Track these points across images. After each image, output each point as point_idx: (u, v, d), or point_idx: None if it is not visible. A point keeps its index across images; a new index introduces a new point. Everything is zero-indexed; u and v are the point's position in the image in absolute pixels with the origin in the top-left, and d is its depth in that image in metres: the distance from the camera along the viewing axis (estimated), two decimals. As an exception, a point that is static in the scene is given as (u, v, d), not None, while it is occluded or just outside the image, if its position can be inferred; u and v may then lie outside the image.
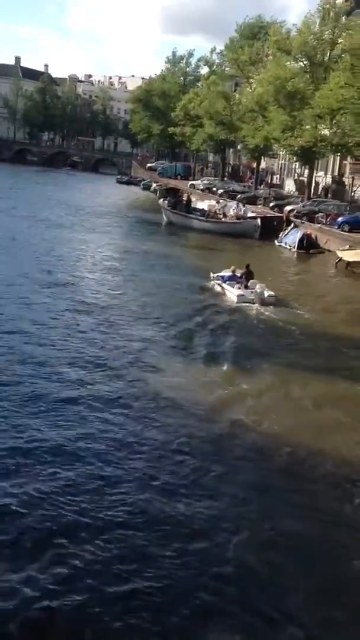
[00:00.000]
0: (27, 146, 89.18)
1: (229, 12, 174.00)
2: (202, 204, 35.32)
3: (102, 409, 8.59)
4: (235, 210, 32.50)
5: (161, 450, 7.65)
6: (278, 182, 50.83)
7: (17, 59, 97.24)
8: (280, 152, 47.67)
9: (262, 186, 46.66)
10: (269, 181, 50.63)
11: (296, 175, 47.91)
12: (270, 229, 29.51)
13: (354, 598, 5.56)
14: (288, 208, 32.56)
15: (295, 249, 26.34)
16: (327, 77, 31.50)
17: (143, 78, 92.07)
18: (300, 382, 10.64)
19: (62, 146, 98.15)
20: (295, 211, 31.33)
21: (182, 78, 69.67)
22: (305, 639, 5.00)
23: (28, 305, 13.75)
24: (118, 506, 6.36)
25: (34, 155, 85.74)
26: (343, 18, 33.48)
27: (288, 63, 34.96)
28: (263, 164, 51.72)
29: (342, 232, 26.08)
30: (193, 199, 36.93)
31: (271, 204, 36.03)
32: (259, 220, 30.29)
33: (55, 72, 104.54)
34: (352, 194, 37.14)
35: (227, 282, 16.78)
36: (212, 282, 17.47)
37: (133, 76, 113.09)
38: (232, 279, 16.86)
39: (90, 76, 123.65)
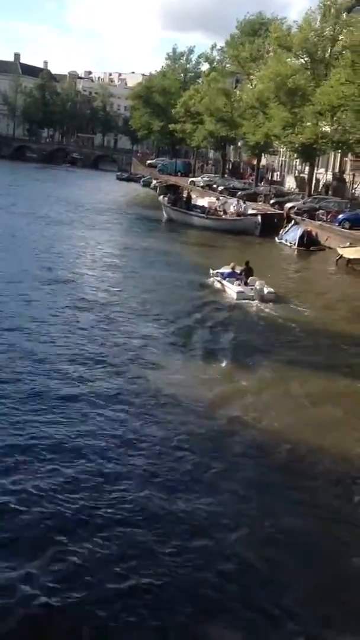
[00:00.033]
0: (26, 143, 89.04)
1: (230, 8, 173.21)
2: (202, 201, 35.27)
3: (102, 406, 8.59)
4: (235, 207, 32.45)
5: (161, 447, 7.65)
6: (278, 179, 50.78)
7: (17, 56, 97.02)
8: (281, 149, 47.59)
9: (262, 183, 46.60)
10: (270, 178, 50.57)
11: (297, 172, 47.85)
12: (271, 226, 29.46)
13: (354, 595, 5.55)
14: (288, 205, 32.52)
15: (295, 246, 26.31)
16: (327, 74, 31.43)
17: (143, 75, 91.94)
18: (300, 379, 10.62)
19: (62, 143, 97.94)
20: (295, 208, 31.29)
21: (182, 75, 69.55)
22: (305, 635, 5.00)
23: (28, 302, 13.74)
24: (118, 503, 6.36)
25: (33, 152, 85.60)
26: (344, 15, 33.38)
27: (289, 60, 34.89)
28: (263, 161, 51.64)
29: (342, 230, 26.04)
30: (193, 195, 36.85)
31: (271, 201, 35.98)
32: (259, 218, 30.24)
33: (55, 69, 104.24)
34: (353, 191, 37.09)
35: (227, 278, 16.77)
36: (212, 278, 17.46)
37: (133, 73, 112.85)
38: (231, 275, 16.85)
39: (90, 73, 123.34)
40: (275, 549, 5.98)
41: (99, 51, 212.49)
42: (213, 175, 54.91)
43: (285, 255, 26.08)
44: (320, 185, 40.10)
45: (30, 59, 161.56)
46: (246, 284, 16.22)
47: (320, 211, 29.58)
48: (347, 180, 38.62)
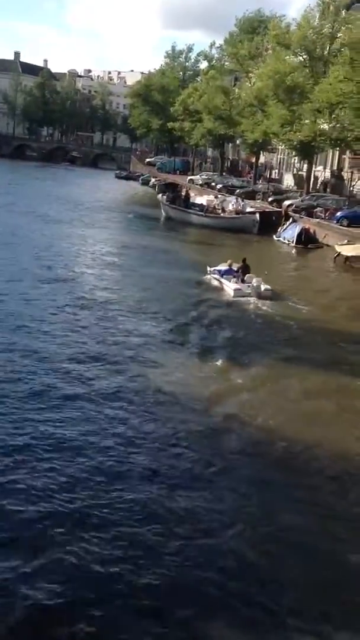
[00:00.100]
0: (26, 141, 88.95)
1: (229, 6, 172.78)
2: (201, 199, 35.27)
3: (101, 404, 8.61)
4: (234, 205, 32.47)
5: (160, 445, 7.67)
6: (277, 177, 50.73)
7: (17, 54, 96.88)
8: (279, 147, 47.59)
9: (260, 181, 46.57)
10: (268, 176, 50.53)
11: (295, 169, 47.83)
12: (269, 223, 29.48)
13: (353, 592, 5.57)
14: (287, 203, 32.53)
15: (293, 244, 26.32)
16: (326, 72, 31.41)
17: (142, 73, 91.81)
18: (298, 376, 10.66)
19: (61, 141, 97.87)
20: (294, 206, 31.30)
21: (181, 73, 69.53)
22: (304, 633, 5.03)
23: (28, 301, 13.77)
24: (117, 501, 6.38)
25: (33, 150, 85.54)
26: (343, 12, 33.33)
27: (287, 57, 34.85)
28: (262, 159, 51.62)
29: (340, 227, 26.05)
30: (192, 194, 36.86)
31: (270, 199, 36.00)
32: (257, 215, 30.26)
33: (55, 68, 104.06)
34: (351, 188, 37.08)
35: (224, 276, 16.83)
36: (209, 276, 17.52)
37: (132, 71, 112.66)
38: (228, 272, 16.91)
39: (89, 71, 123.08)
40: (274, 546, 6.01)
41: (98, 50, 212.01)
42: (212, 173, 54.90)
43: (283, 252, 26.10)
44: (319, 183, 40.08)
45: (30, 58, 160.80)
46: (243, 281, 16.27)
47: (319, 209, 29.57)
48: (345, 177, 38.59)
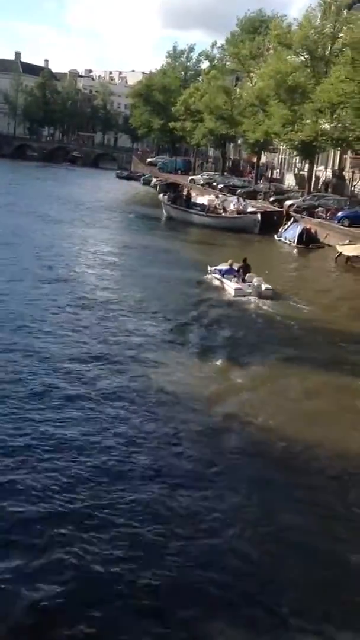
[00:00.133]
0: (27, 141, 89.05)
1: (230, 6, 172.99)
2: (202, 199, 35.28)
3: (102, 403, 8.60)
4: (235, 205, 32.47)
5: (161, 445, 7.67)
6: (278, 177, 50.73)
7: (18, 55, 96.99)
8: (281, 147, 47.59)
9: (262, 181, 46.58)
10: (269, 176, 50.55)
11: (296, 169, 47.82)
12: (270, 223, 29.48)
13: (353, 591, 5.56)
14: (288, 203, 32.53)
15: (294, 244, 26.31)
16: (328, 71, 31.40)
17: (143, 73, 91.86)
18: (298, 375, 10.66)
19: (62, 141, 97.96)
20: (295, 206, 31.28)
21: (182, 73, 69.59)
22: (304, 632, 5.03)
23: (29, 301, 13.77)
24: (118, 500, 6.38)
25: (34, 150, 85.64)
26: (344, 12, 33.34)
27: (289, 57, 34.88)
28: (263, 159, 51.65)
29: (342, 227, 26.04)
30: (193, 193, 36.87)
31: (271, 199, 36.00)
32: (258, 215, 30.26)
33: (56, 68, 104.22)
34: (352, 188, 37.09)
35: (225, 275, 16.84)
36: (209, 275, 17.51)
37: (133, 71, 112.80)
38: (229, 272, 16.91)
39: (90, 71, 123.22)
40: (275, 546, 6.01)
41: (99, 50, 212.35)
42: (213, 173, 54.94)
43: (284, 252, 26.09)
44: (320, 183, 40.07)
45: (30, 58, 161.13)
46: (244, 280, 16.28)
47: (320, 209, 29.57)
48: (346, 177, 38.60)
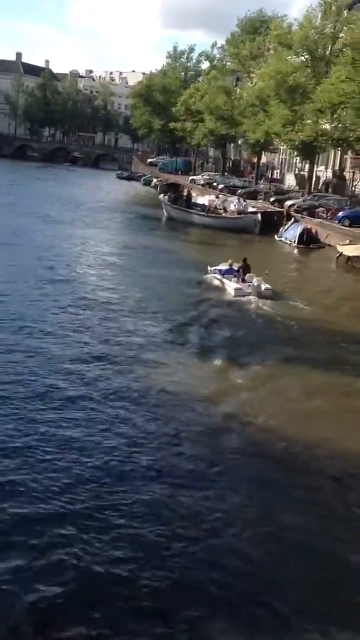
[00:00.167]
0: (28, 142, 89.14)
1: (230, 6, 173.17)
2: (203, 199, 35.29)
3: (103, 403, 8.61)
4: (236, 205, 32.49)
5: (162, 445, 7.67)
6: (278, 177, 50.75)
7: (18, 55, 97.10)
8: (281, 147, 47.61)
9: (262, 181, 46.59)
10: (270, 176, 50.56)
11: (297, 169, 47.84)
12: (271, 223, 29.49)
13: (353, 591, 5.56)
14: (288, 203, 32.54)
15: (295, 244, 26.33)
16: (328, 72, 31.42)
17: (144, 73, 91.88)
18: (299, 375, 10.66)
19: (63, 142, 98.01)
20: (295, 206, 31.30)
21: (183, 73, 69.58)
22: (304, 632, 5.03)
23: (30, 301, 13.79)
24: (119, 500, 6.39)
25: (34, 151, 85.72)
26: (345, 12, 33.36)
27: (289, 57, 34.90)
28: (264, 159, 51.67)
29: (342, 227, 26.05)
30: (193, 194, 36.90)
31: (272, 199, 36.00)
32: (259, 215, 30.26)
33: (56, 68, 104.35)
34: (353, 188, 37.10)
35: (224, 275, 16.86)
36: (209, 275, 17.54)
37: (134, 71, 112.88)
38: (229, 272, 16.94)
39: (91, 72, 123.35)
40: (275, 546, 6.01)
41: (99, 50, 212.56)
42: (213, 173, 54.97)
43: (285, 253, 26.10)
44: (320, 183, 40.08)
45: (31, 58, 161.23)
46: (244, 280, 16.30)
47: (320, 209, 29.57)
48: (347, 177, 38.61)
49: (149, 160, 75.33)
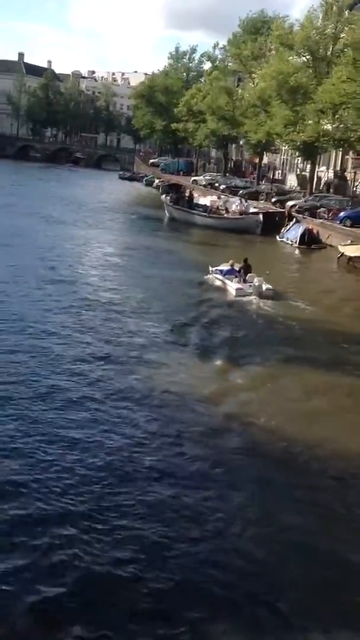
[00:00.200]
0: (30, 142, 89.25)
1: (232, 7, 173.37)
2: (204, 200, 35.32)
3: (105, 404, 8.64)
4: (238, 206, 32.50)
5: (163, 445, 7.70)
6: (280, 178, 50.72)
7: (21, 55, 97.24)
8: (283, 148, 47.59)
9: (264, 181, 46.59)
10: (271, 176, 50.52)
11: (298, 170, 47.83)
12: (272, 224, 29.49)
13: (353, 591, 5.57)
14: (290, 203, 32.54)
15: (297, 244, 26.33)
16: (329, 72, 31.40)
17: (146, 74, 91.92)
18: (300, 375, 10.68)
19: (65, 142, 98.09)
20: (297, 206, 31.30)
21: (185, 74, 69.60)
22: (304, 632, 5.05)
23: (32, 301, 13.82)
24: (119, 500, 6.41)
25: (37, 151, 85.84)
26: (346, 12, 33.35)
27: (291, 58, 34.88)
28: (265, 160, 51.64)
29: (344, 227, 26.05)
30: (195, 194, 36.94)
31: (273, 199, 36.01)
32: (260, 216, 30.27)
33: (59, 69, 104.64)
34: (354, 189, 37.06)
35: (226, 275, 16.90)
36: (210, 275, 17.57)
37: (136, 72, 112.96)
38: (230, 272, 16.99)
39: (93, 72, 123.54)
40: (275, 546, 6.02)
41: (100, 51, 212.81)
42: (215, 174, 54.95)
43: (286, 253, 26.11)
44: (322, 184, 40.08)
45: (32, 59, 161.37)
46: (245, 280, 16.34)
47: (322, 209, 29.57)
48: (348, 178, 38.57)
49: (151, 161, 75.32)
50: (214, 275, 17.50)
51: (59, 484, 6.59)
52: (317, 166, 37.78)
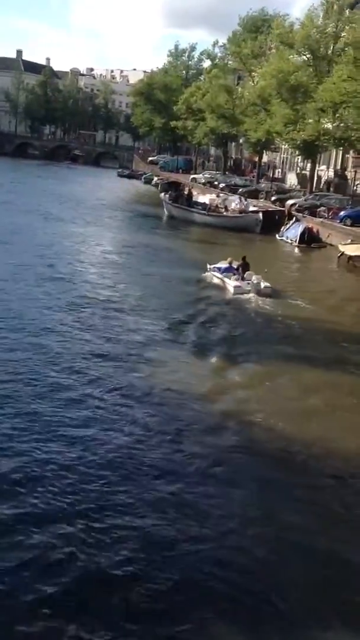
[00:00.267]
0: (28, 140, 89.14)
1: (232, 5, 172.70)
2: (204, 198, 35.32)
3: (104, 401, 8.61)
4: (237, 204, 32.47)
5: (162, 443, 7.67)
6: (280, 176, 50.71)
7: (19, 53, 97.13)
8: (283, 146, 47.56)
9: (263, 180, 46.57)
10: (271, 175, 50.50)
11: (298, 169, 47.83)
12: (272, 223, 29.48)
13: (353, 591, 5.55)
14: (290, 202, 32.52)
15: (296, 243, 26.32)
16: (330, 71, 31.42)
17: (145, 72, 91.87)
18: (299, 374, 10.67)
19: (64, 140, 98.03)
20: (297, 205, 31.28)
21: (184, 71, 69.62)
22: (304, 631, 5.03)
23: (30, 299, 13.79)
24: (119, 499, 6.39)
25: (35, 149, 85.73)
26: (346, 11, 33.35)
27: (291, 56, 34.91)
28: (265, 158, 51.64)
29: (344, 226, 26.02)
30: (194, 192, 36.93)
31: (273, 198, 35.98)
32: (260, 214, 30.25)
33: (57, 66, 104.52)
34: (354, 187, 37.03)
35: (224, 273, 16.87)
36: (208, 273, 17.54)
37: (135, 70, 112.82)
38: (228, 270, 16.97)
39: (92, 70, 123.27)
40: (275, 545, 6.00)
41: (100, 49, 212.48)
42: (214, 172, 54.91)
43: (286, 252, 26.09)
44: (322, 182, 40.07)
45: (31, 56, 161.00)
46: (243, 278, 16.32)
47: (322, 208, 29.53)
48: (348, 177, 38.56)
49: (150, 158, 75.25)
50: (212, 272, 17.46)
51: (58, 481, 6.57)
52: (317, 165, 37.78)
